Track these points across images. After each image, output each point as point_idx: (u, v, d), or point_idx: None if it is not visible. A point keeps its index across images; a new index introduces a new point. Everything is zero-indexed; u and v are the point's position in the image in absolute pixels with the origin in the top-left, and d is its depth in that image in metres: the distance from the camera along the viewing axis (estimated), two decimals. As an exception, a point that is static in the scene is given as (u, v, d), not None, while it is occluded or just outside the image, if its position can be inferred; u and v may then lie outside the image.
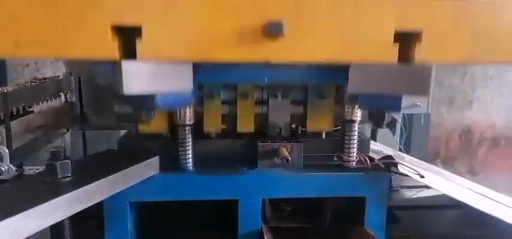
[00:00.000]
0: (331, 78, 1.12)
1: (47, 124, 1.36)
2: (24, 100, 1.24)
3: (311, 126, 1.25)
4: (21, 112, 1.24)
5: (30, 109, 1.29)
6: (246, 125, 1.22)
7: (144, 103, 0.90)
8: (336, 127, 1.27)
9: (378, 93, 0.95)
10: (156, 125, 1.16)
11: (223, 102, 1.21)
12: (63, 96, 1.47)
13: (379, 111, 1.07)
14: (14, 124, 1.21)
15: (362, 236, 1.17)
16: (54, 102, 1.42)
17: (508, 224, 1.14)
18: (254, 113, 1.22)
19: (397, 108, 0.98)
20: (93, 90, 1.49)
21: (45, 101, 1.35)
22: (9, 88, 1.20)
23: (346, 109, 1.18)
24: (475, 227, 1.33)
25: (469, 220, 1.37)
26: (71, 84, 1.49)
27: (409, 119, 1.84)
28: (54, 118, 1.41)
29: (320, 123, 1.25)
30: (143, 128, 1.18)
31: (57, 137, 1.39)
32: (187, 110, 1.12)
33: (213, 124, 1.21)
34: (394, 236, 1.25)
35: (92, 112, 1.51)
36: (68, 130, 1.41)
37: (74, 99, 1.50)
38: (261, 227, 1.16)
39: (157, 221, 1.27)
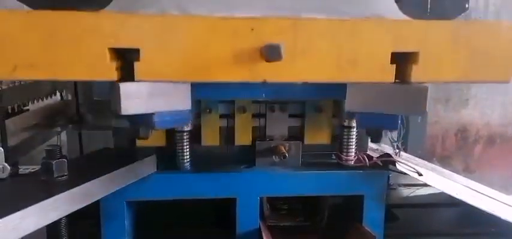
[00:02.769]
0: (329, 94, 1.12)
1: (42, 122, 1.35)
2: (20, 99, 1.22)
3: (309, 139, 1.24)
4: (16, 111, 1.22)
5: (25, 108, 1.27)
6: (243, 138, 1.22)
7: (141, 122, 0.89)
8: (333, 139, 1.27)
9: (375, 112, 0.96)
10: (154, 139, 1.15)
11: (221, 116, 1.21)
12: (58, 95, 1.46)
13: (376, 129, 1.07)
14: (9, 122, 1.19)
15: (360, 234, 1.16)
16: (50, 101, 1.41)
17: (504, 221, 1.15)
18: (252, 126, 1.22)
19: (394, 126, 1.00)
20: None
21: (40, 100, 1.34)
22: (4, 86, 1.19)
23: (344, 121, 1.18)
24: (472, 225, 1.34)
25: (467, 218, 1.37)
26: (67, 83, 1.47)
27: (406, 118, 1.84)
28: (50, 117, 1.40)
29: (318, 136, 1.25)
30: (140, 142, 1.16)
31: (53, 135, 1.38)
32: None
33: (210, 138, 1.21)
34: (392, 234, 1.25)
35: (88, 111, 1.50)
36: (63, 129, 1.39)
37: (69, 97, 1.49)
38: (259, 226, 1.16)
39: (154, 219, 1.26)
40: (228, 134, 1.22)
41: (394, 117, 0.97)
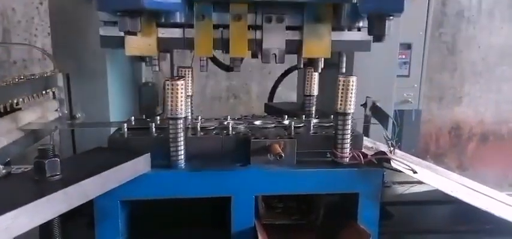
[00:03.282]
0: None
1: (34, 121, 1.33)
2: (12, 97, 1.21)
3: (307, 52, 1.20)
4: (8, 109, 1.21)
5: (17, 106, 1.26)
6: (239, 49, 1.16)
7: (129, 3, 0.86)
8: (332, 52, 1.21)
9: None
10: (144, 47, 1.12)
11: (215, 27, 1.16)
12: (51, 93, 1.45)
13: (381, 17, 1.03)
14: (1, 121, 1.18)
15: (355, 232, 1.16)
16: (42, 99, 1.39)
17: (499, 218, 1.15)
18: (247, 38, 1.16)
19: (400, 8, 0.95)
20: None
21: (33, 98, 1.33)
22: (-4, 85, 1.17)
23: (340, 101, 1.15)
24: (467, 222, 1.34)
25: (461, 215, 1.37)
26: (59, 81, 1.46)
27: (399, 116, 1.84)
28: (42, 115, 1.38)
29: (317, 49, 1.19)
30: (131, 49, 1.13)
31: (45, 134, 1.36)
32: (179, 100, 1.08)
33: (204, 48, 1.16)
34: (386, 232, 1.25)
35: (81, 109, 1.49)
36: (56, 128, 1.38)
37: (62, 96, 1.48)
38: (255, 224, 1.15)
39: (149, 219, 1.26)
40: (222, 46, 1.17)
41: None
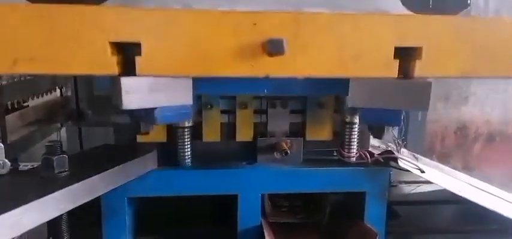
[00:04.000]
0: (331, 90, 1.11)
1: (42, 118, 1.34)
2: (20, 94, 1.22)
3: (311, 135, 1.24)
4: (16, 106, 1.22)
5: (25, 103, 1.26)
6: (244, 134, 1.21)
7: (143, 116, 0.89)
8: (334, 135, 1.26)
9: (378, 108, 0.96)
10: (155, 134, 1.13)
11: (222, 111, 1.20)
12: (58, 91, 1.45)
13: (379, 125, 1.07)
14: (9, 118, 1.18)
15: (362, 231, 1.16)
16: (50, 97, 1.40)
17: (506, 218, 1.14)
18: (253, 122, 1.21)
19: (397, 122, 0.99)
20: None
21: (40, 96, 1.33)
22: (4, 82, 1.18)
23: (346, 117, 1.17)
24: (474, 222, 1.34)
25: (468, 215, 1.37)
26: (67, 79, 1.47)
27: (406, 115, 1.83)
28: (50, 112, 1.39)
29: (319, 132, 1.24)
30: (141, 138, 1.15)
31: (53, 131, 1.37)
32: None
33: (211, 134, 1.20)
34: (393, 232, 1.25)
35: (88, 107, 1.49)
36: (63, 125, 1.38)
37: (69, 93, 1.48)
38: (261, 223, 1.15)
39: (155, 216, 1.26)
40: (229, 130, 1.21)
41: (397, 113, 0.97)
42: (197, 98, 1.14)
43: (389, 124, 1.04)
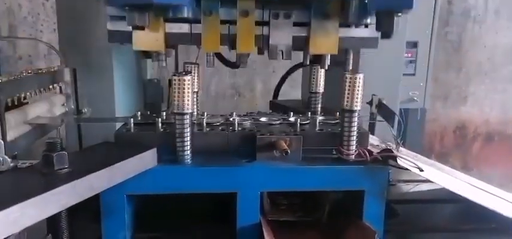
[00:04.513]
0: None
1: (41, 115, 1.34)
2: (19, 91, 1.21)
3: (314, 48, 1.19)
4: (16, 103, 1.21)
5: (24, 101, 1.26)
6: (246, 45, 1.16)
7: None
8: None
9: None
10: (152, 42, 1.12)
11: (222, 21, 1.15)
12: (58, 88, 1.45)
13: (389, 14, 1.03)
14: (8, 115, 1.18)
15: (360, 229, 1.16)
16: (49, 94, 1.40)
17: (505, 217, 1.15)
18: (254, 34, 1.16)
19: (410, 5, 0.94)
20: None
21: (40, 93, 1.33)
22: (3, 79, 1.18)
23: (346, 98, 1.14)
24: (472, 221, 1.34)
25: (466, 214, 1.37)
26: (66, 76, 1.46)
27: (405, 114, 1.84)
28: (49, 110, 1.39)
29: (324, 45, 1.18)
30: (139, 44, 1.13)
31: (52, 129, 1.37)
32: (186, 96, 1.08)
33: (211, 43, 1.16)
34: (392, 230, 1.25)
35: (87, 104, 1.49)
36: (62, 122, 1.38)
37: (69, 91, 1.48)
38: (260, 221, 1.15)
39: (154, 213, 1.26)
40: (230, 41, 1.17)
41: None
42: (196, 3, 1.11)
43: (401, 6, 0.99)
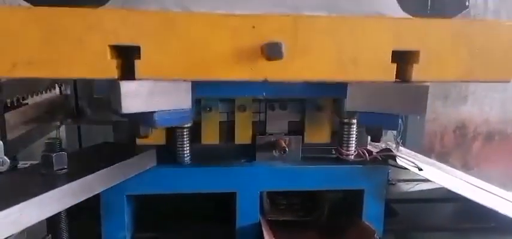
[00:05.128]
0: (329, 93, 1.11)
1: (41, 116, 1.34)
2: (19, 92, 1.22)
3: (309, 138, 1.24)
4: (15, 104, 1.22)
5: (24, 101, 1.27)
6: (243, 136, 1.21)
7: (142, 120, 0.89)
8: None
9: (376, 111, 0.97)
10: (154, 137, 1.13)
11: (221, 112, 1.20)
12: (57, 89, 1.45)
13: (377, 128, 1.08)
14: (8, 115, 1.19)
15: (360, 229, 1.16)
16: (49, 95, 1.40)
17: (504, 216, 1.15)
18: (251, 122, 1.21)
19: (395, 126, 1.00)
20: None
21: (39, 93, 1.34)
22: (3, 79, 1.18)
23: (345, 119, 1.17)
24: (472, 220, 1.34)
25: (466, 213, 1.37)
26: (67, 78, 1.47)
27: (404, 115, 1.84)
28: (49, 110, 1.39)
29: (318, 134, 1.24)
30: (140, 141, 1.15)
31: (52, 129, 1.37)
32: None
33: (210, 136, 1.20)
34: (391, 230, 1.25)
35: (87, 105, 1.49)
36: (62, 123, 1.39)
37: (68, 91, 1.49)
38: (259, 221, 1.16)
39: (154, 213, 1.26)
40: (228, 131, 1.21)
41: (395, 117, 0.98)
42: (196, 100, 1.14)
43: (387, 127, 1.05)
